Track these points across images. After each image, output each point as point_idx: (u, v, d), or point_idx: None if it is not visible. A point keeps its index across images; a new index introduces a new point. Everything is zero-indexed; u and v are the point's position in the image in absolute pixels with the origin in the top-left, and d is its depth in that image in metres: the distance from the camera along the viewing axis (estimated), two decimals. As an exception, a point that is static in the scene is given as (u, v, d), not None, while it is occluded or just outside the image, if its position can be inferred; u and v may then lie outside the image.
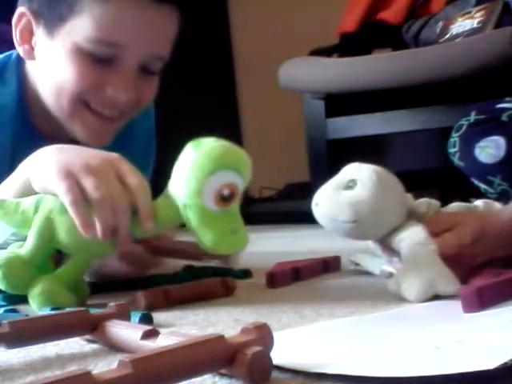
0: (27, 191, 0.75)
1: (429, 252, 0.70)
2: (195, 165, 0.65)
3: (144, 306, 0.71)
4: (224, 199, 0.65)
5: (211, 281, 0.81)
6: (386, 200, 0.75)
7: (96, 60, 0.85)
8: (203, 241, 0.67)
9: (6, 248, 0.76)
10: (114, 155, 0.74)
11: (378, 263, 0.86)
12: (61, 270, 0.73)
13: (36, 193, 0.74)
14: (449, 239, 0.72)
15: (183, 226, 0.69)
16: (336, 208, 0.75)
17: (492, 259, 0.71)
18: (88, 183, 0.68)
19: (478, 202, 0.80)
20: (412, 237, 0.72)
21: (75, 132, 0.91)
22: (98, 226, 0.68)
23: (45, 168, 0.72)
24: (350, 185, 0.76)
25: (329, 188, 0.78)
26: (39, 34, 0.88)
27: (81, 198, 0.68)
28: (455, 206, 0.79)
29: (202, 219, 0.66)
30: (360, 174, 0.76)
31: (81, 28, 0.83)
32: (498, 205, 0.79)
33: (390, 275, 0.82)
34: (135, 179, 0.70)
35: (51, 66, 0.88)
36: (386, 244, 0.78)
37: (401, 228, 0.75)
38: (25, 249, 0.73)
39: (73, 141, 0.90)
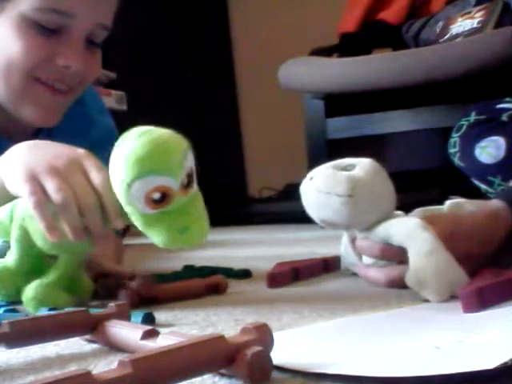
0: (4, 192, 0.73)
1: (441, 248, 0.69)
2: (116, 175, 0.63)
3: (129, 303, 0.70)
4: (157, 201, 0.62)
5: (200, 280, 0.81)
6: (383, 185, 0.77)
7: (44, 31, 0.83)
8: (154, 241, 0.65)
9: (3, 255, 0.76)
10: (81, 151, 0.72)
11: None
12: (50, 272, 0.73)
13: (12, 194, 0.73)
14: None
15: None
16: (333, 181, 0.75)
17: (468, 255, 0.71)
18: (50, 185, 0.67)
19: (445, 204, 0.80)
20: (415, 231, 0.71)
21: (25, 114, 0.89)
22: (66, 228, 0.67)
23: (13, 170, 0.71)
24: (348, 168, 0.77)
25: (327, 165, 0.78)
26: None
27: (44, 201, 0.67)
28: (419, 211, 0.78)
29: (145, 223, 0.64)
30: (359, 160, 0.78)
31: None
32: (468, 206, 0.79)
33: (353, 274, 0.86)
34: (99, 176, 0.68)
35: None
36: (358, 241, 0.79)
37: (390, 219, 0.75)
38: (10, 258, 0.74)
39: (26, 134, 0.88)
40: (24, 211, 0.71)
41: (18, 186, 0.69)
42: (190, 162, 0.64)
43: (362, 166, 0.77)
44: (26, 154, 0.72)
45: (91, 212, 0.67)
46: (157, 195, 0.61)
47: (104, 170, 0.69)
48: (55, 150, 0.72)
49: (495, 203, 0.78)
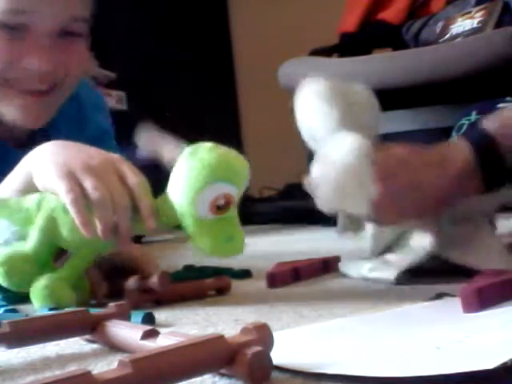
0: (30, 186, 0.75)
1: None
2: (189, 177, 0.67)
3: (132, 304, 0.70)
4: (219, 208, 0.67)
5: (204, 281, 0.81)
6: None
7: (10, 33, 0.82)
8: (199, 247, 0.69)
9: (11, 244, 0.77)
10: (114, 155, 0.74)
11: (357, 267, 0.86)
12: (63, 267, 0.73)
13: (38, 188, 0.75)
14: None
15: (181, 228, 0.70)
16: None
17: (414, 188, 0.72)
18: (88, 183, 0.69)
19: None
20: None
21: (8, 117, 0.88)
22: (99, 225, 0.69)
23: (45, 167, 0.73)
24: None
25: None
26: None
27: (81, 198, 0.69)
28: None
29: (197, 227, 0.68)
30: None
31: None
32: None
33: (366, 280, 0.83)
34: (135, 178, 0.71)
35: None
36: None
37: None
38: (28, 246, 0.74)
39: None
40: (55, 203, 0.72)
41: (54, 183, 0.71)
42: (247, 179, 0.70)
43: None
44: (58, 153, 0.74)
45: (123, 212, 0.69)
46: (221, 201, 0.67)
47: (138, 172, 0.72)
48: (88, 151, 0.75)
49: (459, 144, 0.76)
